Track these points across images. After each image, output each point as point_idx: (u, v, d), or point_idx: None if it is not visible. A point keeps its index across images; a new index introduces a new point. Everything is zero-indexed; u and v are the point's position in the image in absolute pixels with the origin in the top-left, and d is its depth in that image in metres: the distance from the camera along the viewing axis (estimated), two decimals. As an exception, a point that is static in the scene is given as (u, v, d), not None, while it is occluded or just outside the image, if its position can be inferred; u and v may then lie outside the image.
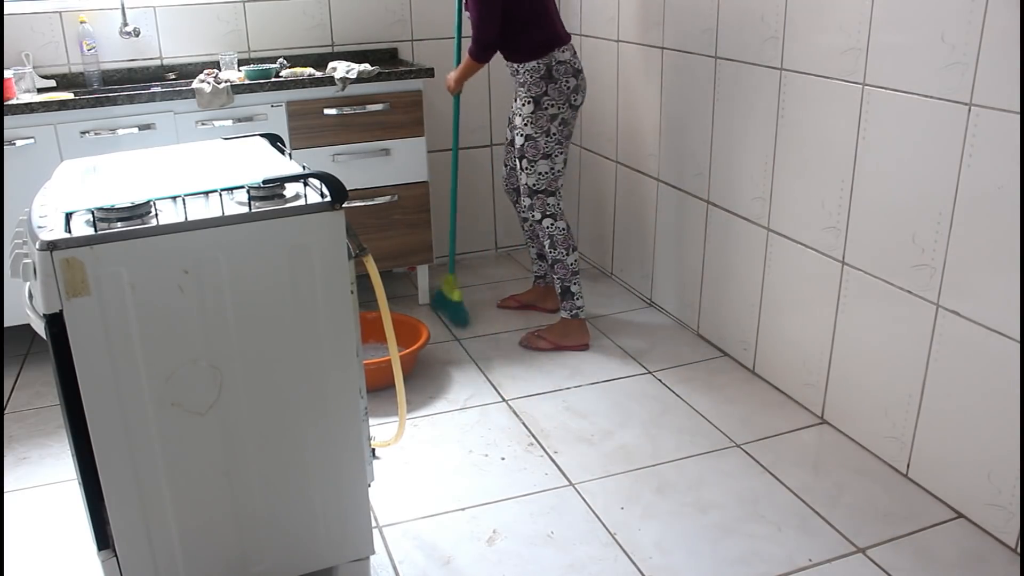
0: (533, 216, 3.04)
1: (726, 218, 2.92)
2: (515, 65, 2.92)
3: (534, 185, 3.00)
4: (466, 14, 2.94)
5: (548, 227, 3.03)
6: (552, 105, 2.91)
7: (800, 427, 2.59)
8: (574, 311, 3.10)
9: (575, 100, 2.96)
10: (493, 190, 3.99)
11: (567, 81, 2.90)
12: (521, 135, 2.96)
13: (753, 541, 2.10)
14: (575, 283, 3.08)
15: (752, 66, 2.67)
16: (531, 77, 2.89)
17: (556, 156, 2.98)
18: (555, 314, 3.33)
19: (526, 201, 3.03)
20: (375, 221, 3.31)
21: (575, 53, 2.94)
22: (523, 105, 2.93)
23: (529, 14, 2.86)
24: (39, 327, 1.56)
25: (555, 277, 3.09)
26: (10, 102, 2.81)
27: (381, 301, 1.81)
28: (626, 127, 3.48)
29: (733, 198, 2.87)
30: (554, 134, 2.95)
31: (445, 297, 3.41)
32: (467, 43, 2.97)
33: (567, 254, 3.04)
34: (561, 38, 2.91)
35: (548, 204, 3.02)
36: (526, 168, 2.98)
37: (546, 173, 2.98)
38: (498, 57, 3.00)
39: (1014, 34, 1.85)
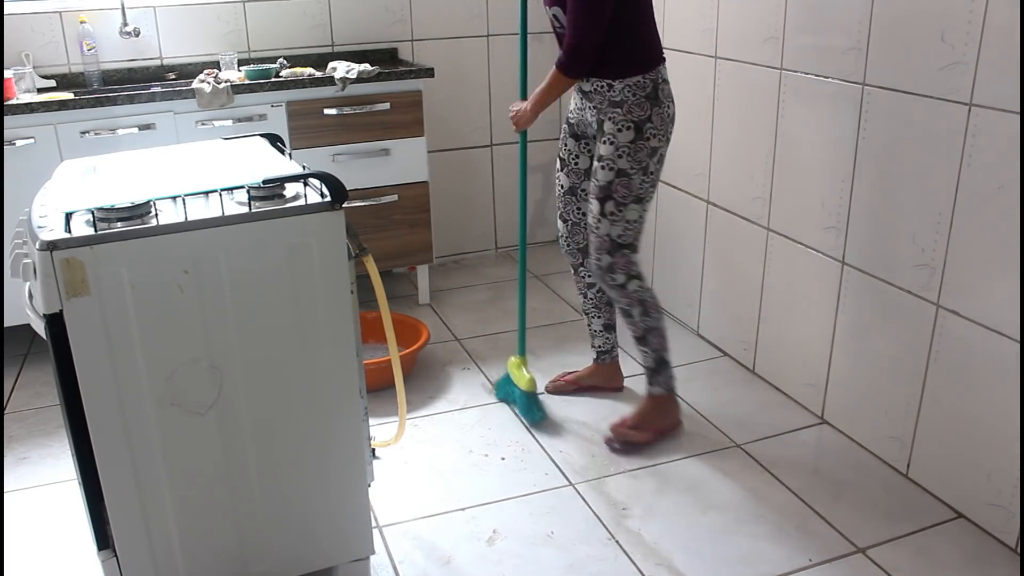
0: (614, 280, 2.40)
1: (726, 218, 2.92)
2: (606, 82, 2.27)
3: (619, 237, 2.35)
4: (547, 11, 2.33)
5: (636, 290, 2.41)
6: (655, 136, 2.29)
7: (800, 427, 2.58)
8: (671, 383, 2.51)
9: (671, 131, 2.35)
10: (493, 190, 3.99)
11: (669, 107, 2.31)
12: (611, 169, 2.29)
13: (753, 541, 2.10)
14: (668, 351, 2.49)
15: (752, 66, 2.67)
16: (634, 96, 2.26)
17: (647, 202, 2.36)
18: (620, 392, 2.79)
19: (606, 260, 2.38)
20: (375, 221, 3.31)
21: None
22: (619, 131, 2.27)
23: (641, 17, 2.28)
24: (39, 327, 1.56)
25: (647, 351, 2.47)
26: (10, 102, 2.81)
27: (381, 301, 1.81)
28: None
29: (733, 198, 2.87)
30: (652, 173, 2.32)
31: (511, 385, 2.71)
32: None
33: (660, 318, 2.45)
34: (661, 54, 2.33)
35: (633, 263, 2.40)
36: (611, 214, 2.33)
37: (635, 221, 2.35)
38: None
39: (1014, 34, 1.85)
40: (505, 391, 2.75)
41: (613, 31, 2.22)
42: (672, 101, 2.34)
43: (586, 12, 2.18)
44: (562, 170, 2.55)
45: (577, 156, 2.50)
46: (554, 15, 2.31)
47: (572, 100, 2.48)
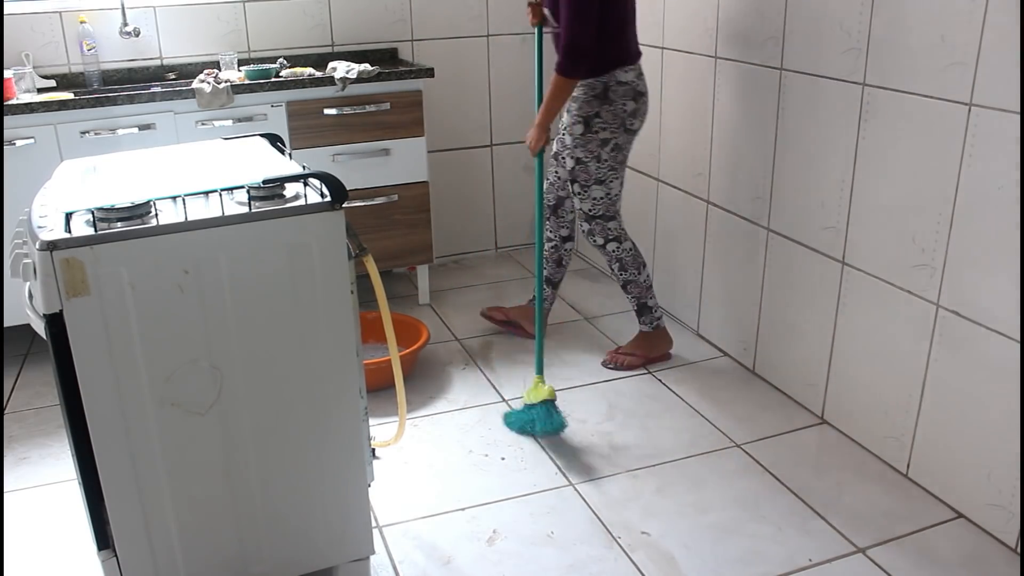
0: (594, 242, 2.82)
1: (726, 218, 2.92)
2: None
3: (590, 211, 2.78)
4: (548, 31, 2.63)
5: (614, 251, 2.82)
6: (604, 129, 2.64)
7: (800, 427, 2.59)
8: (654, 323, 2.93)
9: (631, 124, 2.67)
10: (493, 190, 3.99)
11: (624, 104, 2.62)
12: (571, 157, 2.71)
13: (753, 541, 2.10)
14: (651, 298, 2.90)
15: (752, 66, 2.67)
16: (584, 95, 2.62)
17: (611, 181, 2.72)
18: (531, 339, 3.05)
19: (585, 226, 2.81)
20: (375, 221, 3.31)
21: (640, 74, 2.66)
22: (573, 124, 2.67)
23: (616, 23, 2.56)
24: (39, 327, 1.56)
25: (629, 297, 2.91)
26: (10, 102, 2.81)
27: (381, 301, 1.82)
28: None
29: (733, 198, 2.87)
30: (605, 160, 2.68)
31: (525, 411, 2.59)
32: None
33: (639, 273, 2.85)
34: (630, 56, 2.64)
35: (609, 228, 2.79)
36: (579, 193, 2.76)
37: (602, 199, 2.74)
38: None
39: (1014, 34, 1.85)
40: (521, 419, 2.59)
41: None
42: (633, 98, 2.65)
43: (574, 10, 2.44)
44: (552, 139, 2.86)
45: (563, 136, 2.79)
46: (552, 13, 2.55)
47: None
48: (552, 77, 2.54)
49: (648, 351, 2.96)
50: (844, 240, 2.42)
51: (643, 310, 2.93)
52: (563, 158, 2.76)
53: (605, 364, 2.97)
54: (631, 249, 2.84)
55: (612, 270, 2.88)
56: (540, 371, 2.67)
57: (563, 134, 2.73)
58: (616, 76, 2.60)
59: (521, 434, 2.57)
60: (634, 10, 2.67)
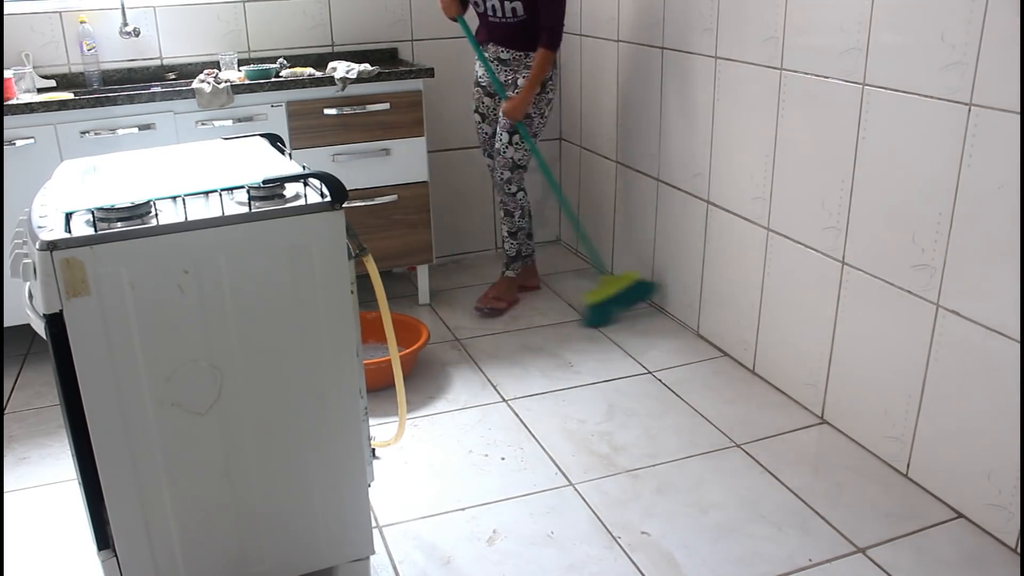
0: (510, 190, 3.30)
1: (726, 218, 2.92)
2: (525, 52, 3.11)
3: (519, 160, 3.25)
4: (501, 4, 3.03)
5: (522, 199, 3.33)
6: (552, 91, 3.19)
7: (800, 427, 2.59)
8: (518, 271, 3.46)
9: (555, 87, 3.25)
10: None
11: (557, 70, 3.21)
12: (523, 114, 3.16)
13: (753, 541, 2.10)
14: (527, 246, 3.46)
15: (752, 66, 2.67)
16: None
17: (538, 136, 3.28)
18: (537, 291, 3.61)
19: (507, 175, 3.26)
20: (375, 221, 3.31)
21: None
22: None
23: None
24: (39, 327, 1.56)
25: (514, 243, 3.40)
26: (10, 102, 2.81)
27: (381, 301, 1.82)
28: (626, 127, 3.48)
29: (733, 198, 2.87)
30: (545, 117, 3.24)
31: (608, 303, 3.30)
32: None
33: (528, 222, 3.42)
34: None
35: (523, 178, 3.32)
36: (516, 144, 3.21)
37: (528, 150, 3.24)
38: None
39: (1014, 34, 1.85)
40: (599, 314, 3.26)
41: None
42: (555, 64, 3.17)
43: (562, 1, 3.01)
44: (483, 121, 3.36)
45: (494, 109, 3.32)
46: (513, 8, 3.03)
47: (478, 67, 3.29)
48: (541, 53, 3.04)
49: (512, 295, 3.47)
50: (844, 240, 2.42)
51: (517, 257, 3.44)
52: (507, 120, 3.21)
53: (480, 310, 3.38)
54: (528, 201, 3.40)
55: (513, 217, 3.36)
56: (602, 269, 3.47)
57: (514, 95, 3.16)
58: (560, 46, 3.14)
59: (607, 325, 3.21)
60: None
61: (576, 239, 3.78)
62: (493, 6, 3.08)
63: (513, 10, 3.05)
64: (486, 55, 3.22)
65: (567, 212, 3.48)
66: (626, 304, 3.33)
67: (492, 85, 3.24)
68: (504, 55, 3.17)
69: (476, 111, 3.36)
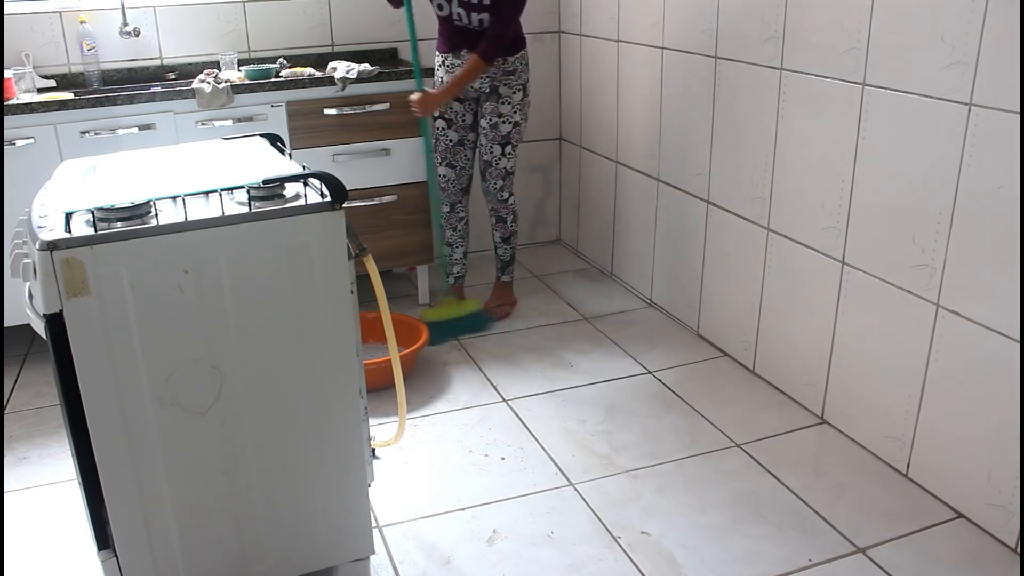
0: (504, 196, 3.23)
1: (726, 218, 2.92)
2: (502, 57, 3.01)
3: (511, 169, 3.21)
4: (467, 14, 2.93)
5: (513, 204, 3.28)
6: (529, 92, 3.16)
7: (800, 427, 2.59)
8: (513, 275, 3.43)
9: None
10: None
11: (528, 71, 3.15)
12: (510, 122, 3.11)
13: (753, 541, 2.10)
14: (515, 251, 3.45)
15: (752, 66, 2.67)
16: (520, 65, 3.07)
17: (523, 141, 3.26)
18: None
19: (501, 183, 3.20)
20: (375, 221, 3.31)
21: None
22: (513, 93, 3.08)
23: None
24: (39, 327, 1.56)
25: (508, 248, 3.35)
26: (10, 102, 2.81)
27: (381, 301, 1.82)
28: (626, 127, 3.48)
29: (733, 198, 2.87)
30: (527, 120, 3.20)
31: (447, 326, 3.24)
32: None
33: (519, 226, 3.39)
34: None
35: (514, 184, 3.27)
36: (509, 154, 3.17)
37: (517, 156, 3.23)
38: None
39: (1014, 34, 1.85)
40: (441, 332, 3.18)
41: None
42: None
43: (517, 14, 2.92)
44: (450, 127, 3.18)
45: (464, 115, 3.17)
46: (480, 19, 2.91)
47: (443, 72, 3.11)
48: (473, 60, 2.91)
49: (512, 297, 3.46)
50: (844, 240, 2.42)
51: (511, 262, 3.40)
52: (496, 127, 3.12)
53: (490, 317, 3.36)
54: (516, 203, 3.34)
55: (506, 223, 3.29)
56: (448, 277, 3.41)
57: (499, 104, 3.09)
58: (526, 49, 3.10)
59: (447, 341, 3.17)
60: None
61: (437, 251, 3.44)
62: (458, 13, 2.95)
63: (480, 20, 2.93)
64: (457, 61, 3.05)
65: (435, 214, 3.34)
66: (461, 332, 3.23)
67: (462, 91, 3.07)
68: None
69: (441, 116, 3.17)
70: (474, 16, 2.93)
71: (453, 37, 3.04)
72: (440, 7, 2.99)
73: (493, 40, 2.89)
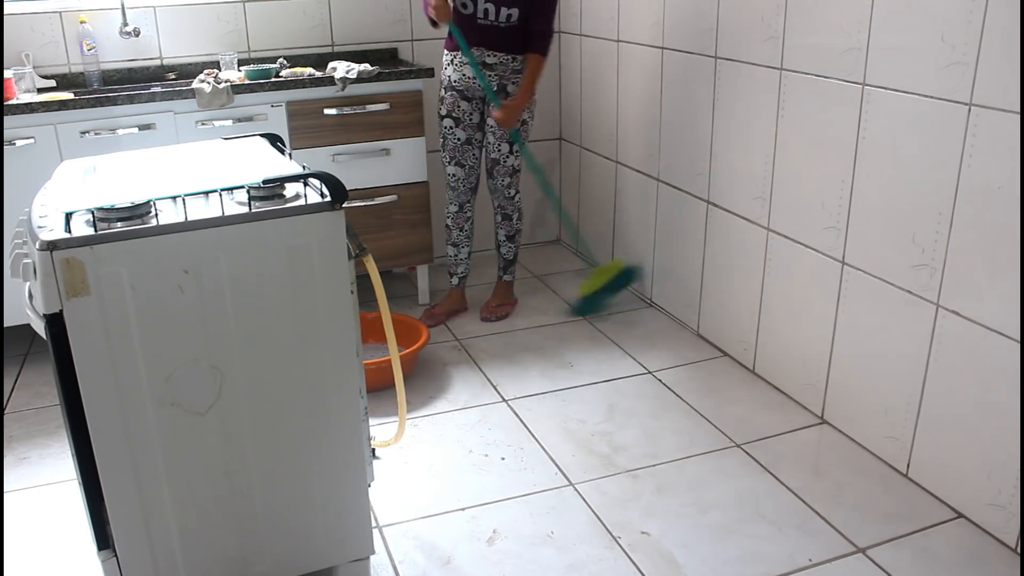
0: (511, 193, 3.25)
1: (726, 218, 2.92)
2: (511, 56, 3.04)
3: (519, 166, 3.23)
4: (499, 9, 2.96)
5: (519, 201, 3.30)
6: (536, 90, 3.14)
7: (800, 427, 2.59)
8: (514, 274, 3.43)
9: None
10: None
11: None
12: (518, 120, 3.11)
13: (753, 541, 2.10)
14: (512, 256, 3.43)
15: (752, 66, 2.67)
16: (526, 64, 3.07)
17: (528, 137, 3.25)
18: (466, 313, 3.45)
19: (506, 180, 3.22)
20: (375, 221, 3.31)
21: None
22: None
23: None
24: (39, 327, 1.56)
25: (512, 247, 3.35)
26: (10, 102, 2.81)
27: (381, 301, 1.82)
28: (626, 127, 3.48)
29: (733, 198, 2.87)
30: (534, 118, 3.24)
31: (597, 294, 3.39)
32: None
33: (523, 224, 3.44)
34: None
35: (519, 180, 3.27)
36: (516, 152, 3.19)
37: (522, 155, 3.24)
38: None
39: (1014, 34, 1.85)
40: (590, 303, 3.35)
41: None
42: None
43: (556, 8, 3.03)
44: (457, 126, 3.17)
45: (471, 114, 3.17)
46: (509, 14, 2.96)
47: (452, 71, 3.12)
48: (535, 59, 3.01)
49: (513, 296, 3.46)
50: (844, 240, 2.42)
51: (514, 261, 3.39)
52: (502, 128, 3.13)
53: (487, 319, 3.36)
54: (521, 200, 3.36)
55: (511, 220, 3.30)
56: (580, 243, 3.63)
57: (492, 108, 3.09)
58: None
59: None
60: None
61: (574, 239, 3.79)
62: (486, 9, 2.97)
63: (509, 16, 2.96)
64: (467, 59, 3.04)
65: (560, 213, 3.51)
66: (614, 292, 3.41)
67: (470, 90, 3.11)
68: (490, 59, 3.04)
69: (449, 116, 3.16)
70: (503, 11, 2.95)
71: (472, 35, 3.02)
72: (464, 5, 2.99)
73: (541, 35, 3.00)
